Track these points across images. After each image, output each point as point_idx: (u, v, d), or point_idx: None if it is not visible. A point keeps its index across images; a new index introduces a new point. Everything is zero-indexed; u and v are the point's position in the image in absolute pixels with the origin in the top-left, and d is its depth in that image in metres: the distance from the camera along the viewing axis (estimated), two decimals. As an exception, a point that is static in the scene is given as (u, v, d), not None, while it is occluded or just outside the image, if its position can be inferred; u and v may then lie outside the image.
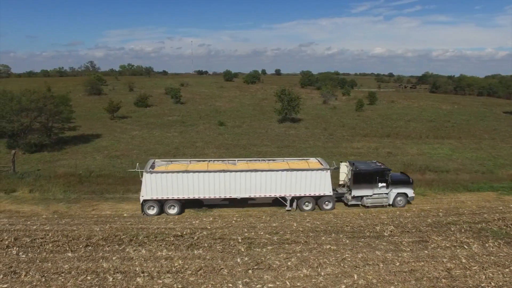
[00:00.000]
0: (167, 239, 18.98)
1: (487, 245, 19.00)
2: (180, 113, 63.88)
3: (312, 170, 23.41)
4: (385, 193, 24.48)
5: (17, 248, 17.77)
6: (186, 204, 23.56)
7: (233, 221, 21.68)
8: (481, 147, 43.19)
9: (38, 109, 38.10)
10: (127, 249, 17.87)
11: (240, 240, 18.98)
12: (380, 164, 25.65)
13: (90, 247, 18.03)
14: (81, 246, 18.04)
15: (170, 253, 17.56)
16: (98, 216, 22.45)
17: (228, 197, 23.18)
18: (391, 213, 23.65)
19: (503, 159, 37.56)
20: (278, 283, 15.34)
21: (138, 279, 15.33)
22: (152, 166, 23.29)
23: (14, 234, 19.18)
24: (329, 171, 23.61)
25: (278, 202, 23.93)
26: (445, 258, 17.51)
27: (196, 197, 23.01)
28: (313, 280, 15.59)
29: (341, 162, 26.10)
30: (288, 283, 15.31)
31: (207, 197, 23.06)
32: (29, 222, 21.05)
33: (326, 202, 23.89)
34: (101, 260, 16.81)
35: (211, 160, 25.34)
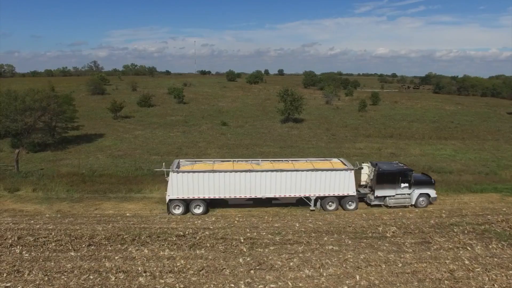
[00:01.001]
0: (169, 238, 19.01)
1: (490, 246, 18.89)
2: (183, 113, 63.98)
3: (337, 170, 23.63)
4: (407, 194, 24.57)
5: (21, 247, 17.85)
6: (210, 204, 23.61)
7: (236, 221, 21.69)
8: (484, 148, 42.99)
9: (42, 109, 38.25)
10: (130, 249, 17.91)
11: (242, 240, 18.98)
12: (402, 165, 25.75)
13: (92, 247, 18.08)
14: (83, 246, 18.11)
15: (172, 253, 17.59)
16: (101, 215, 22.52)
17: (253, 196, 23.31)
18: (393, 214, 23.59)
19: (507, 160, 37.35)
20: (280, 283, 15.33)
21: (141, 279, 15.37)
22: (178, 166, 23.45)
23: (18, 233, 19.26)
24: (353, 171, 23.82)
25: (299, 202, 24.10)
26: (448, 260, 17.43)
27: (222, 196, 23.15)
28: (315, 280, 15.56)
29: (363, 162, 26.21)
30: (290, 284, 15.29)
31: (232, 196, 23.19)
32: (32, 221, 21.15)
33: (350, 202, 24.00)
34: (103, 260, 16.86)
35: (235, 160, 25.51)
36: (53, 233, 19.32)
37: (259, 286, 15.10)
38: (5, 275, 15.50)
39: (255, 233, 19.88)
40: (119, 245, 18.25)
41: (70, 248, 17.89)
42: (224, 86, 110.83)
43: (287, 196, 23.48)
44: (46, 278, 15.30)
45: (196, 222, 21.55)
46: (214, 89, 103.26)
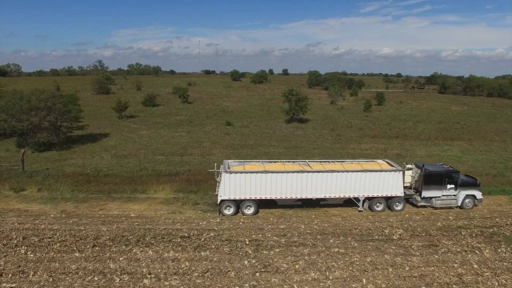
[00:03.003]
0: (174, 240, 18.92)
1: (499, 250, 18.61)
2: (188, 112, 64.00)
3: (386, 171, 23.77)
4: (453, 195, 24.67)
5: (26, 247, 17.83)
6: (259, 205, 23.59)
7: (241, 223, 21.55)
8: (491, 149, 42.52)
9: (47, 108, 38.37)
10: (134, 250, 17.84)
11: (247, 242, 18.84)
12: (447, 166, 25.84)
13: (97, 247, 18.03)
14: (88, 246, 18.06)
15: (177, 255, 17.49)
16: (106, 216, 22.47)
17: (303, 197, 23.44)
18: (400, 216, 23.34)
19: (515, 162, 36.87)
20: (285, 286, 15.18)
21: (145, 281, 15.28)
22: (228, 167, 23.53)
23: (23, 233, 19.26)
24: (401, 172, 23.97)
25: (344, 202, 24.29)
26: (456, 263, 17.19)
27: (273, 197, 23.25)
28: (321, 284, 15.39)
29: (407, 164, 26.24)
30: (296, 287, 15.13)
31: (283, 197, 23.28)
32: (37, 221, 21.15)
33: (397, 203, 24.13)
34: (108, 261, 16.79)
35: (282, 161, 25.54)
36: (57, 234, 19.31)
37: (265, 289, 14.94)
38: (10, 275, 15.49)
39: (260, 235, 19.74)
40: (124, 246, 18.18)
41: (75, 249, 17.85)
42: (228, 85, 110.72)
43: (337, 196, 23.64)
44: (51, 279, 15.26)
45: (201, 223, 21.44)
46: (219, 88, 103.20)
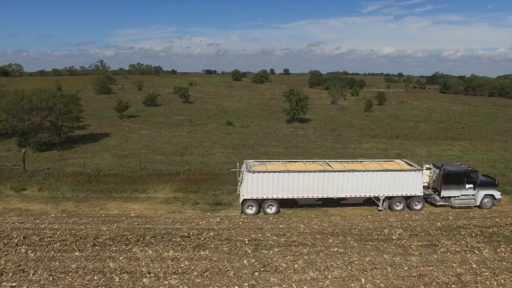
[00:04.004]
0: (173, 239, 18.98)
1: (498, 250, 18.59)
2: (188, 112, 64.08)
3: (406, 170, 23.97)
4: (472, 194, 24.83)
5: (26, 247, 17.93)
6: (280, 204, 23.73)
7: (240, 222, 21.60)
8: (492, 149, 42.46)
9: (48, 108, 38.52)
10: (134, 249, 17.91)
11: (246, 242, 18.88)
12: (466, 166, 26.05)
13: (97, 247, 18.10)
14: (88, 246, 18.14)
15: (176, 254, 17.55)
16: (106, 215, 22.55)
17: (325, 197, 23.64)
18: (399, 216, 23.35)
19: (516, 162, 36.79)
20: (284, 286, 15.22)
21: (145, 280, 15.34)
22: (250, 167, 23.69)
23: (23, 233, 19.36)
24: (421, 171, 24.11)
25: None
26: (455, 263, 17.20)
27: (294, 196, 23.45)
28: (320, 283, 15.43)
29: (425, 164, 26.37)
30: (294, 286, 15.17)
31: (304, 196, 23.47)
32: (38, 221, 21.24)
33: (416, 203, 24.35)
34: (108, 260, 16.86)
35: (303, 161, 25.69)
36: (58, 233, 19.39)
37: (263, 289, 14.99)
38: (10, 274, 15.58)
39: (259, 235, 19.78)
40: (124, 246, 18.26)
41: (75, 248, 17.94)
42: (229, 85, 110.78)
43: (357, 196, 23.82)
44: (51, 278, 15.34)
45: (200, 223, 21.50)
46: (220, 88, 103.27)
